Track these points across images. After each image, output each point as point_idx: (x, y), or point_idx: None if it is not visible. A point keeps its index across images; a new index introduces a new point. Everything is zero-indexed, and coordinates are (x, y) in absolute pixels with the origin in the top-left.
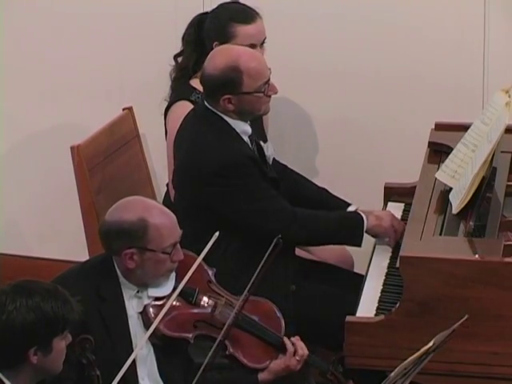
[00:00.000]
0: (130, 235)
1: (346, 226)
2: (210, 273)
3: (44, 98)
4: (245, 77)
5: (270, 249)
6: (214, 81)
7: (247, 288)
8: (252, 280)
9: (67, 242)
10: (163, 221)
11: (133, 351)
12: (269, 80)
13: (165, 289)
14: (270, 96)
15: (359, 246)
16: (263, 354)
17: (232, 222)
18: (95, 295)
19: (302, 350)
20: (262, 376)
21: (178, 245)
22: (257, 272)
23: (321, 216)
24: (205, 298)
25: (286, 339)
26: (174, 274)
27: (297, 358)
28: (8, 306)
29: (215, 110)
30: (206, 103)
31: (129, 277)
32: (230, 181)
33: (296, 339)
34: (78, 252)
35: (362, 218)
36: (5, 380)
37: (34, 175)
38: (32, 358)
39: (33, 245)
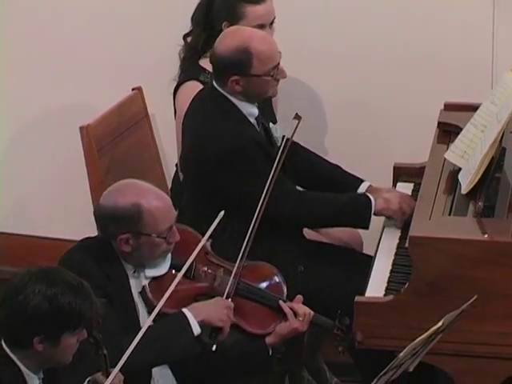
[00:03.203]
0: (125, 220)
1: (354, 209)
2: (207, 244)
3: (53, 78)
4: (254, 59)
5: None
6: (223, 61)
7: (240, 255)
8: (244, 246)
9: (76, 222)
10: (158, 205)
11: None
12: (278, 64)
13: (162, 268)
14: (278, 80)
15: (366, 228)
16: (267, 319)
17: (237, 205)
18: (101, 274)
19: (302, 309)
20: (269, 340)
21: (174, 227)
22: (247, 238)
23: (328, 198)
24: (203, 271)
25: (281, 303)
26: (169, 254)
27: (299, 318)
28: (28, 287)
29: (223, 91)
30: (214, 84)
31: (125, 258)
32: (235, 165)
33: (296, 301)
34: (87, 232)
35: (370, 200)
36: (14, 358)
37: (44, 155)
38: (37, 346)
39: (42, 225)
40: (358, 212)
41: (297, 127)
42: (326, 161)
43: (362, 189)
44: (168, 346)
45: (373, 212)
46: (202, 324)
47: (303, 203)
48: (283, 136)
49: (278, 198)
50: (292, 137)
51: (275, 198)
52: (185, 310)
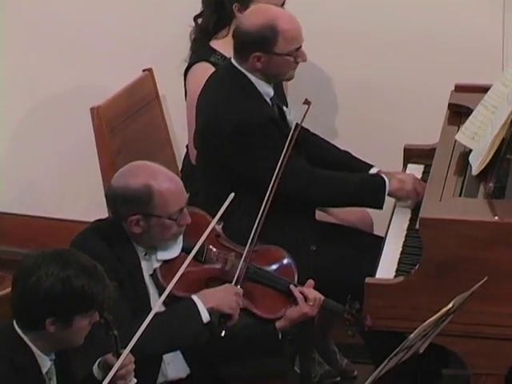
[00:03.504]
0: (136, 202)
1: (368, 189)
2: (218, 227)
3: (64, 59)
4: (280, 38)
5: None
6: (248, 36)
7: (250, 238)
8: (254, 228)
9: (87, 204)
10: (169, 187)
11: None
12: (300, 47)
13: (173, 251)
14: (297, 63)
15: (381, 208)
16: (277, 304)
17: (251, 181)
18: (112, 256)
19: (313, 294)
20: (279, 324)
21: (185, 209)
22: (257, 220)
23: (342, 177)
24: (214, 254)
25: (292, 287)
26: (181, 236)
27: (309, 303)
28: (41, 269)
29: (241, 68)
30: (232, 60)
31: (136, 240)
32: (249, 139)
33: (307, 286)
34: (97, 213)
35: (385, 180)
36: (26, 339)
37: (54, 137)
38: (49, 327)
39: (52, 206)
40: (373, 192)
41: (306, 112)
42: (336, 147)
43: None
44: (177, 334)
45: (387, 192)
46: (211, 311)
47: (317, 181)
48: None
49: (291, 175)
50: (302, 122)
51: (289, 175)
52: (194, 297)
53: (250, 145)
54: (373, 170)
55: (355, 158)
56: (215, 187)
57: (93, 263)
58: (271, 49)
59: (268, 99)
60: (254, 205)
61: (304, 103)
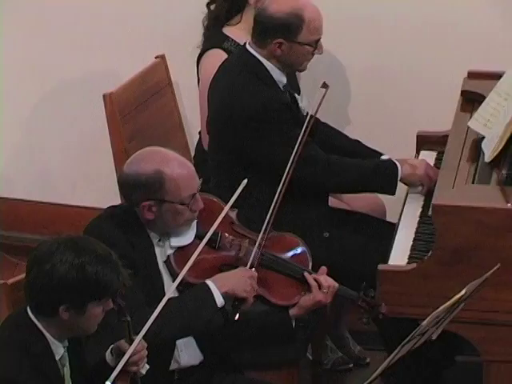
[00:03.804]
0: (147, 187)
1: (381, 174)
2: (233, 214)
3: (76, 45)
4: (305, 27)
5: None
6: (273, 21)
7: (264, 225)
8: (269, 215)
9: (99, 190)
10: (180, 172)
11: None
12: (320, 39)
13: (187, 237)
14: (313, 54)
15: (393, 194)
16: (291, 291)
17: (265, 168)
18: (126, 243)
19: (327, 282)
20: (292, 311)
21: (198, 195)
22: (272, 207)
23: (355, 163)
24: (228, 241)
25: (306, 274)
26: (195, 222)
27: (324, 290)
28: (55, 256)
29: (256, 54)
30: (247, 46)
31: (150, 227)
32: (263, 125)
33: (320, 273)
34: (110, 200)
35: (397, 166)
36: (39, 326)
37: (67, 123)
38: (62, 314)
39: (65, 192)
40: (385, 177)
41: (324, 96)
42: (346, 136)
43: None
44: (191, 319)
45: (399, 178)
46: (225, 295)
47: (331, 167)
48: (311, 115)
49: (306, 161)
50: (319, 106)
51: (303, 162)
52: (208, 282)
53: (265, 131)
54: (382, 158)
55: (365, 146)
56: (227, 174)
57: (107, 250)
58: (294, 37)
59: (281, 86)
60: (267, 192)
61: (322, 86)
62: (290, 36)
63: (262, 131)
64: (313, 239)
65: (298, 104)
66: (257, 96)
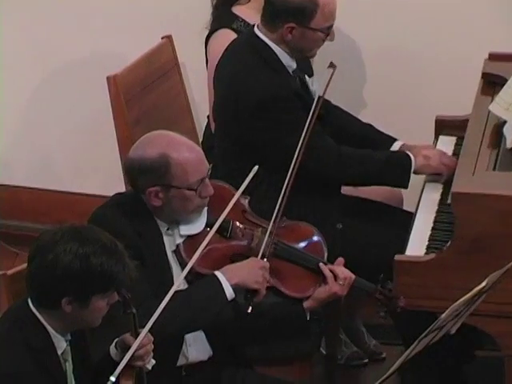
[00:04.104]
0: (153, 172)
1: (393, 167)
2: (244, 202)
3: (79, 25)
4: (319, 12)
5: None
6: (286, 4)
7: (275, 212)
8: (279, 203)
9: (103, 176)
10: (188, 156)
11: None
12: (332, 26)
13: (197, 225)
14: (324, 41)
15: (405, 187)
16: (305, 282)
17: (272, 159)
18: (133, 232)
19: (344, 273)
20: (306, 304)
21: (207, 180)
22: (282, 195)
23: (367, 155)
24: (240, 230)
25: (322, 265)
26: (205, 210)
27: (340, 282)
28: (58, 246)
29: (264, 38)
30: (255, 29)
31: (158, 214)
32: (272, 114)
33: (337, 263)
34: (115, 186)
35: (410, 158)
36: (41, 318)
37: (70, 107)
38: (65, 307)
39: (68, 179)
40: (398, 169)
41: (331, 77)
42: (358, 119)
43: (394, 147)
44: (200, 312)
45: (413, 170)
46: (236, 287)
47: (341, 159)
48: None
49: (317, 153)
50: (327, 87)
51: (315, 154)
52: (218, 273)
53: (273, 121)
54: (396, 144)
55: (378, 131)
56: (235, 163)
57: (113, 240)
58: (307, 22)
59: (291, 71)
60: (277, 180)
61: (329, 67)
62: (303, 21)
63: (269, 121)
64: (325, 231)
65: (308, 89)
66: (264, 83)
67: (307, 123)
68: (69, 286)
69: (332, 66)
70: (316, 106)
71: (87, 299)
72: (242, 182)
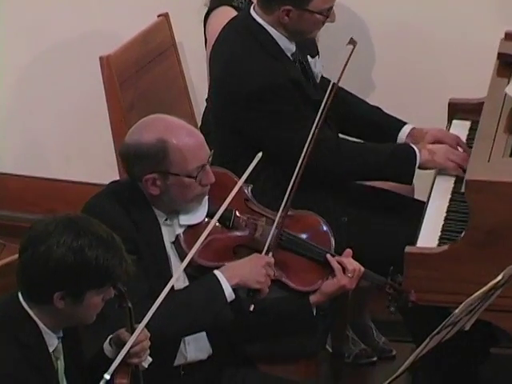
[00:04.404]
0: (150, 158)
1: (396, 161)
2: (247, 190)
3: (73, 3)
4: None
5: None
6: None
7: (284, 202)
8: (288, 191)
9: (96, 164)
10: (187, 141)
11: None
12: (332, 7)
13: (197, 215)
14: (324, 23)
15: (409, 183)
16: (312, 275)
17: (268, 151)
18: (129, 223)
19: (352, 265)
20: (313, 298)
21: (208, 166)
22: (292, 182)
23: (368, 148)
24: (243, 220)
25: (329, 257)
26: (206, 199)
27: (348, 275)
28: (52, 237)
29: (261, 21)
30: (251, 11)
31: (156, 204)
32: (268, 105)
33: (345, 255)
34: (107, 174)
35: (415, 152)
36: (31, 313)
37: (60, 90)
38: (57, 302)
39: (58, 166)
40: (402, 164)
41: (351, 54)
42: (365, 102)
43: (404, 132)
44: (198, 314)
45: (417, 165)
46: (236, 288)
47: (341, 152)
48: (330, 81)
49: (314, 145)
50: (345, 67)
51: (312, 147)
52: (217, 273)
53: (268, 112)
54: (406, 128)
55: (386, 114)
56: (230, 151)
57: (110, 233)
58: (305, 4)
59: (289, 55)
60: (276, 173)
61: (349, 43)
62: (301, 3)
63: (263, 112)
64: (330, 225)
65: (309, 71)
66: (259, 70)
67: (319, 114)
68: (61, 280)
69: (352, 42)
70: (329, 95)
71: (81, 295)
72: (240, 170)
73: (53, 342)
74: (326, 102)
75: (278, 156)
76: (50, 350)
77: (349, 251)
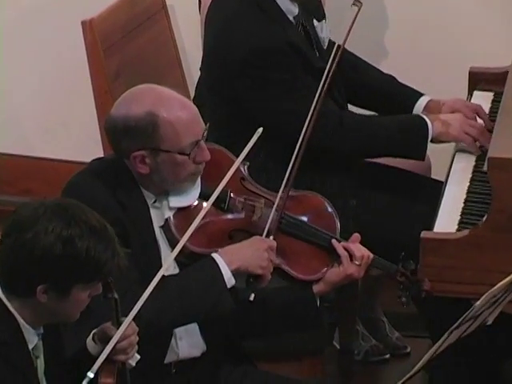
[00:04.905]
0: (139, 134)
1: (406, 135)
2: (244, 168)
3: None
4: None
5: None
6: None
7: (284, 182)
8: (289, 170)
9: (78, 139)
10: (179, 115)
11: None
12: None
13: (189, 197)
14: None
15: (422, 159)
16: (316, 262)
17: (268, 124)
18: (115, 204)
19: (360, 252)
20: (317, 288)
21: (202, 142)
22: (292, 162)
23: (374, 121)
24: (239, 201)
25: (335, 242)
26: (199, 179)
27: (356, 262)
28: (39, 223)
29: None
30: None
31: (144, 184)
32: (263, 71)
33: (352, 240)
34: (91, 151)
35: (427, 124)
36: (10, 307)
37: (39, 58)
38: (40, 296)
39: (37, 142)
40: (412, 139)
41: (356, 17)
42: (377, 70)
43: (420, 105)
44: (195, 302)
45: (430, 138)
46: (236, 273)
47: (344, 126)
48: (335, 44)
49: (314, 119)
50: (350, 30)
51: (315, 121)
52: (215, 256)
53: (264, 79)
54: (423, 99)
55: (401, 84)
56: (225, 125)
57: (103, 223)
58: None
59: (291, 18)
60: (276, 149)
61: (353, 4)
62: None
63: (260, 79)
64: (337, 209)
65: (314, 36)
66: (254, 32)
67: (322, 80)
68: (46, 271)
69: (357, 3)
70: (333, 61)
71: (67, 289)
72: (239, 146)
73: (32, 338)
74: (329, 67)
75: (277, 130)
76: (30, 347)
77: (356, 236)
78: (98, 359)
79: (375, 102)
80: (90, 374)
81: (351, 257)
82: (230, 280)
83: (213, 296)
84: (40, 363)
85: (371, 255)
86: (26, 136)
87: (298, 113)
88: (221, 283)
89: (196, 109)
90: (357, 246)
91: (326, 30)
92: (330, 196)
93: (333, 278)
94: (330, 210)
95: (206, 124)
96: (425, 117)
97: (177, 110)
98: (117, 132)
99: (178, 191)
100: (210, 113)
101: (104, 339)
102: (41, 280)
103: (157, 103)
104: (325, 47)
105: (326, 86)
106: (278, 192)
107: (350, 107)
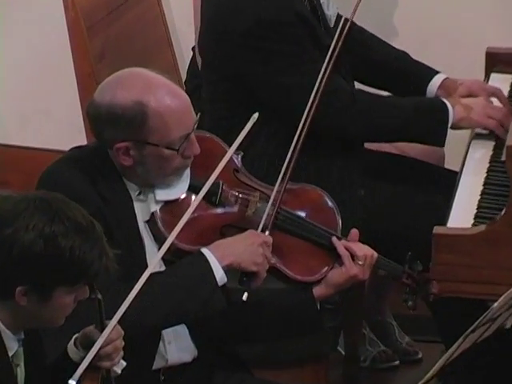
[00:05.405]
0: (124, 124)
1: (424, 118)
2: (237, 158)
3: None
4: None
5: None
6: None
7: (281, 174)
8: (286, 162)
9: (58, 126)
10: (170, 104)
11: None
12: None
13: (177, 189)
14: None
15: (441, 145)
16: (315, 262)
17: (268, 103)
18: (96, 195)
19: (363, 251)
20: (319, 290)
21: (193, 135)
22: (291, 152)
23: (389, 102)
24: (232, 195)
25: (335, 240)
26: (188, 171)
27: (359, 262)
28: (21, 218)
29: None
30: None
31: (127, 175)
32: (268, 43)
33: (352, 238)
34: (73, 139)
35: (447, 107)
36: None
37: (16, 37)
38: (19, 298)
39: (14, 129)
40: (430, 124)
41: None
42: (390, 45)
43: (435, 83)
44: (183, 301)
45: (450, 124)
46: (228, 269)
47: (356, 106)
48: (342, 17)
49: (324, 100)
50: (358, 5)
51: (321, 101)
52: (205, 251)
53: (268, 51)
54: (438, 77)
55: (415, 61)
56: (224, 107)
57: (90, 220)
58: None
59: None
60: (280, 132)
61: None
62: None
63: (263, 51)
64: (344, 200)
65: (321, 13)
66: (260, 3)
67: (328, 55)
68: (26, 271)
69: None
70: (340, 34)
71: (48, 292)
72: (234, 133)
73: (12, 345)
74: (336, 41)
75: (280, 107)
76: (9, 354)
77: (355, 233)
78: (80, 366)
79: (387, 79)
80: (72, 382)
81: (353, 257)
82: (221, 278)
83: (203, 294)
84: (20, 371)
85: (375, 254)
86: (1, 122)
87: (304, 88)
88: (212, 280)
89: (187, 98)
90: (358, 245)
91: (333, 8)
92: (335, 185)
93: (335, 280)
94: (330, 204)
95: (196, 115)
96: (445, 100)
97: (167, 99)
98: (100, 119)
99: (164, 184)
100: (207, 94)
101: (87, 344)
102: (20, 281)
103: (145, 91)
104: (331, 25)
105: (333, 59)
106: (274, 185)
107: (358, 85)
